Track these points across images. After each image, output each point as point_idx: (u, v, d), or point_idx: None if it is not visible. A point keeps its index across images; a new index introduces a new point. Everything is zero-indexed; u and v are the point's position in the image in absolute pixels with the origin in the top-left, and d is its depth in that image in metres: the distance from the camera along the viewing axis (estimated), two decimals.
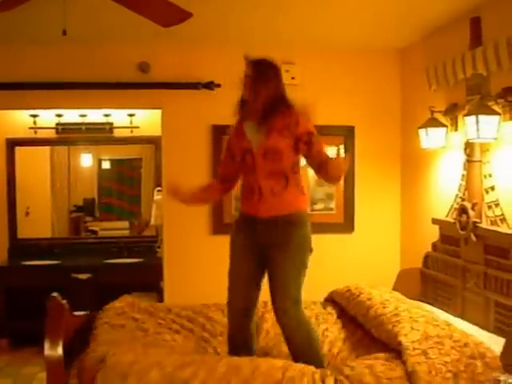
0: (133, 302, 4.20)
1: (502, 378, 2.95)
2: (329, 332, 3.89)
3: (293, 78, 5.26)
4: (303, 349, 3.30)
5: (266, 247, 3.36)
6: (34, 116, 6.29)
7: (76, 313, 3.66)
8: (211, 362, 2.99)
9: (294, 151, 3.31)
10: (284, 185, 3.31)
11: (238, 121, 3.47)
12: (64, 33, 3.26)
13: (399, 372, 3.00)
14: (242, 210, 3.50)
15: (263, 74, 3.31)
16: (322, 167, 3.28)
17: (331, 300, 4.40)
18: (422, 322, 3.31)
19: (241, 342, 3.45)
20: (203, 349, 3.66)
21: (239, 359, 3.06)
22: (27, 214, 6.56)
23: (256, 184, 3.33)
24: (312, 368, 3.02)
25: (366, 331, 3.67)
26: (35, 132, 6.36)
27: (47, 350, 3.02)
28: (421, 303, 3.91)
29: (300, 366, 3.03)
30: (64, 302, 3.31)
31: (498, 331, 3.69)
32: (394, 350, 3.20)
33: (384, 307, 3.56)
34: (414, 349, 3.08)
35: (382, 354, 3.18)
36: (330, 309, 4.27)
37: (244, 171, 3.43)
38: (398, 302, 3.66)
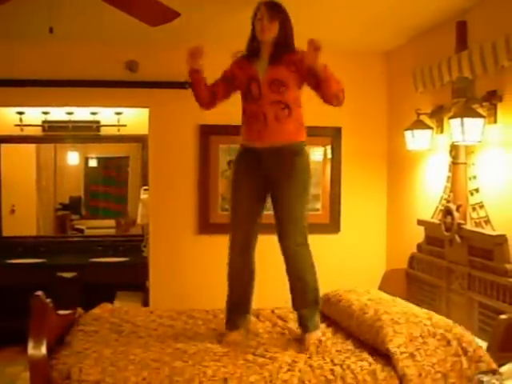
0: (113, 309, 4.17)
1: (485, 378, 2.99)
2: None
3: None
4: (303, 277, 3.55)
5: (271, 178, 3.53)
6: (20, 113, 6.24)
7: (61, 312, 3.65)
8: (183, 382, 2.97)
9: (297, 86, 3.48)
10: (287, 114, 3.46)
11: (241, 56, 3.59)
12: (51, 30, 3.26)
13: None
14: (244, 140, 3.59)
15: (282, 15, 3.47)
16: (325, 88, 3.39)
17: None
18: (403, 324, 3.32)
19: (246, 276, 3.64)
20: (185, 338, 3.60)
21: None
22: (12, 211, 6.52)
23: (260, 110, 3.45)
24: None
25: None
26: (21, 129, 6.30)
27: (31, 350, 3.00)
28: (397, 299, 3.91)
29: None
30: (48, 301, 3.29)
31: (481, 332, 3.73)
32: (382, 353, 3.23)
33: (364, 313, 3.55)
34: (402, 353, 3.11)
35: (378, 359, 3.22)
36: None
37: (248, 100, 3.51)
38: (376, 304, 3.65)
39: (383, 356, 3.19)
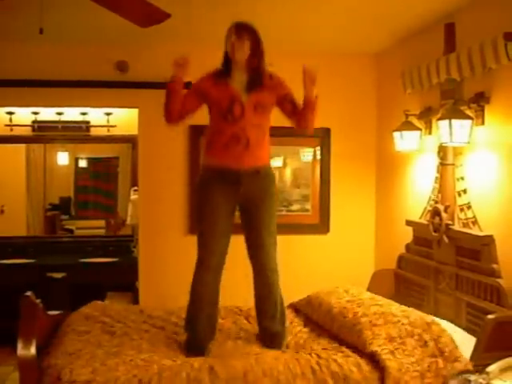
0: (103, 307, 4.17)
1: (472, 377, 3.02)
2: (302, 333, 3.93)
3: None
4: (275, 301, 3.61)
5: (247, 200, 3.55)
6: (10, 113, 6.23)
7: (50, 312, 3.65)
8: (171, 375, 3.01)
9: (271, 110, 3.59)
10: (263, 136, 3.55)
11: (213, 74, 3.55)
12: (41, 31, 3.25)
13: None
14: (218, 161, 3.52)
15: (259, 40, 3.52)
16: (302, 115, 3.57)
17: (295, 308, 4.35)
18: (382, 325, 3.39)
19: (216, 297, 3.62)
20: (174, 341, 3.61)
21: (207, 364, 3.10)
22: (2, 211, 6.51)
23: (243, 133, 3.44)
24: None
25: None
26: (11, 129, 6.30)
27: (20, 350, 3.01)
28: (376, 297, 3.94)
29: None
30: (38, 301, 3.29)
31: (469, 332, 3.75)
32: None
33: (344, 317, 3.59)
34: (383, 349, 3.21)
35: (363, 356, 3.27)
36: (294, 314, 4.25)
37: (227, 120, 3.46)
38: (355, 306, 3.69)
39: (367, 355, 3.26)
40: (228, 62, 3.52)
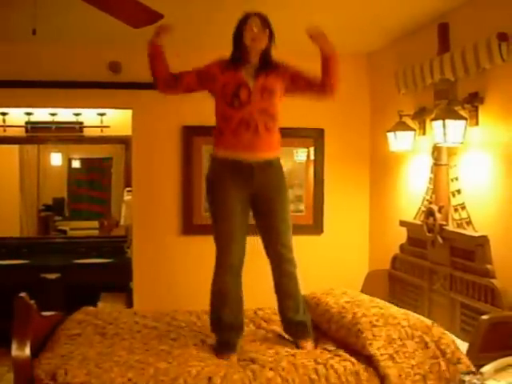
0: (95, 312, 4.15)
1: (467, 378, 3.02)
2: None
3: None
4: (296, 291, 3.63)
5: (261, 194, 3.52)
6: (3, 114, 6.22)
7: (44, 313, 3.64)
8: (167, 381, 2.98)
9: (280, 98, 3.53)
10: (274, 123, 3.51)
11: (222, 61, 3.54)
12: (34, 32, 3.24)
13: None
14: (230, 150, 3.48)
15: (270, 28, 3.51)
16: (323, 83, 3.52)
17: None
18: (382, 326, 3.34)
19: (238, 294, 3.57)
20: (168, 339, 3.60)
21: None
22: None
23: (251, 117, 3.41)
24: None
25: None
26: (4, 130, 6.29)
27: (15, 351, 3.00)
28: (375, 299, 3.93)
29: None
30: (32, 302, 3.29)
31: (463, 332, 3.76)
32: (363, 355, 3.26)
33: (343, 317, 3.55)
34: (382, 354, 3.16)
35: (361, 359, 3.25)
36: None
37: (234, 106, 3.43)
38: (354, 307, 3.65)
39: (365, 357, 3.22)
40: (239, 49, 3.50)
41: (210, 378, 2.99)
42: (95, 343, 3.49)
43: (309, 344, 3.53)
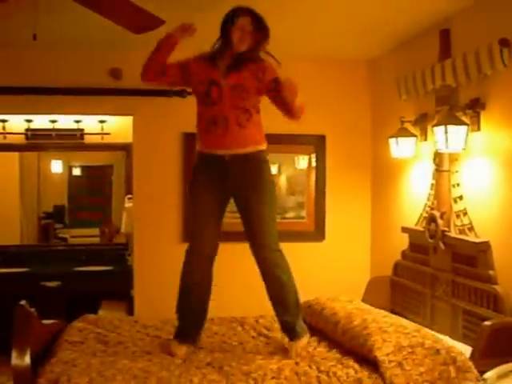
0: (96, 320, 4.12)
1: None
2: None
3: None
4: (282, 281, 3.51)
5: (238, 187, 3.46)
6: (3, 121, 6.21)
7: (45, 321, 3.62)
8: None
9: (258, 94, 3.44)
10: (248, 117, 3.40)
11: (201, 56, 3.50)
12: (34, 37, 3.24)
13: None
14: (203, 147, 3.48)
15: (264, 32, 3.39)
16: (288, 108, 3.42)
17: None
18: (392, 332, 3.30)
19: (205, 289, 3.56)
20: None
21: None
22: None
23: (221, 114, 3.36)
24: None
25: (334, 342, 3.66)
26: (4, 137, 6.28)
27: (14, 360, 2.98)
28: (383, 311, 3.90)
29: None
30: (32, 310, 3.27)
31: (465, 338, 3.74)
32: (368, 361, 3.22)
33: (351, 321, 3.52)
34: (390, 361, 3.10)
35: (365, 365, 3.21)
36: None
37: (206, 104, 3.41)
38: (362, 313, 3.64)
39: (369, 364, 3.18)
40: (223, 46, 3.43)
41: None
42: (98, 352, 3.47)
43: (302, 341, 3.49)
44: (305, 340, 3.52)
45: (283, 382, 3.02)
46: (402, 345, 3.20)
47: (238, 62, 3.40)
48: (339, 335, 3.57)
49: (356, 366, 3.19)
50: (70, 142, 6.50)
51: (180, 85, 3.61)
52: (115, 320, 4.14)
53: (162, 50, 3.42)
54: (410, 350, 3.17)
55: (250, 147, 3.44)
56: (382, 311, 3.87)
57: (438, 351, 3.18)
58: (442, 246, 4.11)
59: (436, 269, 4.22)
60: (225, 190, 3.49)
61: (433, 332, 3.50)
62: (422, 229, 4.42)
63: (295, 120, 3.48)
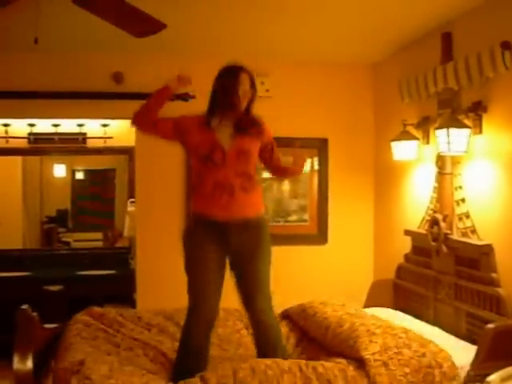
0: (100, 314, 4.10)
1: None
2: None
3: (267, 91, 5.28)
4: (275, 343, 3.46)
5: (238, 253, 3.42)
6: (6, 125, 6.21)
7: (47, 325, 3.62)
8: None
9: (256, 155, 3.50)
10: (252, 183, 3.43)
11: (199, 117, 3.46)
12: (36, 41, 3.23)
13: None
14: (204, 211, 3.40)
15: (254, 87, 3.45)
16: (279, 170, 3.70)
17: (287, 316, 4.30)
18: (379, 334, 3.35)
19: (205, 352, 3.45)
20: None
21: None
22: None
23: (227, 181, 3.33)
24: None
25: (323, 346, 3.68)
26: (7, 141, 6.26)
27: (16, 364, 2.99)
28: (374, 315, 3.91)
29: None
30: (34, 314, 3.27)
31: (469, 341, 3.73)
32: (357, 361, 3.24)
33: (341, 326, 3.55)
34: (375, 360, 3.15)
35: (352, 362, 3.23)
36: (285, 323, 4.20)
37: (208, 167, 3.36)
38: (352, 317, 3.66)
39: (357, 362, 3.21)
40: (217, 104, 3.42)
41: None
42: (112, 352, 3.49)
43: None
44: None
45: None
46: (389, 345, 3.25)
47: (243, 126, 3.40)
48: (328, 339, 3.59)
49: (344, 361, 3.22)
50: (73, 145, 6.49)
51: (169, 139, 3.56)
52: (118, 316, 4.13)
53: (155, 102, 3.47)
54: (396, 351, 3.22)
55: (252, 213, 3.43)
56: (374, 315, 3.89)
57: (424, 354, 3.23)
58: (444, 248, 4.11)
59: (439, 271, 4.22)
60: (225, 254, 3.44)
61: (420, 335, 3.50)
62: (424, 232, 4.42)
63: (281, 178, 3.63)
